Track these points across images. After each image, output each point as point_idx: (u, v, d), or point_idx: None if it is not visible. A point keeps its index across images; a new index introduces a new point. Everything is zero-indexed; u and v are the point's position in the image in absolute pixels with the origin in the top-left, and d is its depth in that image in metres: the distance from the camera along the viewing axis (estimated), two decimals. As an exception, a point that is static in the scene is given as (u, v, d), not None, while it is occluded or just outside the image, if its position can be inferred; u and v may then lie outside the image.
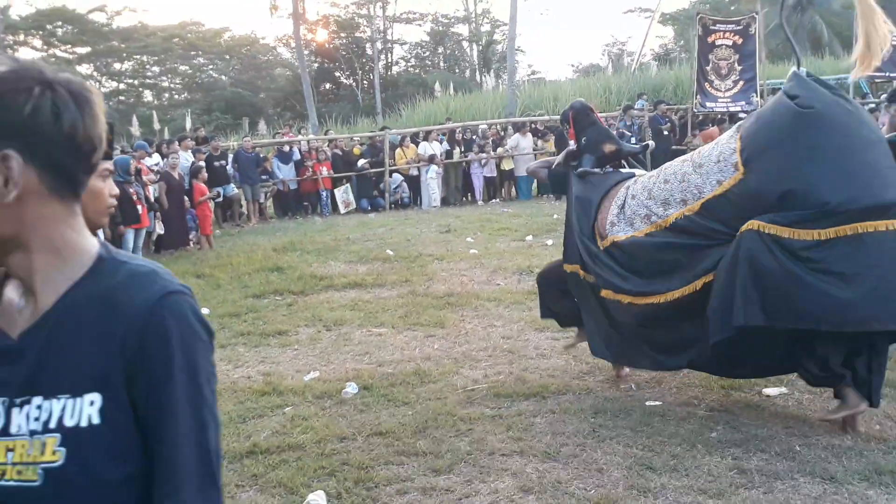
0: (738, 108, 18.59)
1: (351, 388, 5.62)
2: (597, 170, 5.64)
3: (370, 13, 47.42)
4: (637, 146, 6.41)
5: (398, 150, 17.95)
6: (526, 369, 5.97)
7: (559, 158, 6.04)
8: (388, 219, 15.67)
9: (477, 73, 46.17)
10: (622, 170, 5.67)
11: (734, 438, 4.53)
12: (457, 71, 49.01)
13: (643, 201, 5.00)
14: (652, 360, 5.14)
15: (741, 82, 18.38)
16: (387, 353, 6.60)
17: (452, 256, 10.69)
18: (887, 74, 20.38)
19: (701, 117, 18.74)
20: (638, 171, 5.59)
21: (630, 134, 16.91)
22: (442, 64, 50.90)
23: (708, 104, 18.38)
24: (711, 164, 4.69)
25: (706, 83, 18.29)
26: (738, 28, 18.52)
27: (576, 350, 6.14)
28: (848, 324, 4.20)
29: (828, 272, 4.16)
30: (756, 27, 18.62)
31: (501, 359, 6.26)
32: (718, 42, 18.32)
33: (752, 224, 4.30)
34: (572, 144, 5.93)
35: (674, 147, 17.93)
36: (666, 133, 17.95)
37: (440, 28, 50.57)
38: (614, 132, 5.64)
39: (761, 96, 19.03)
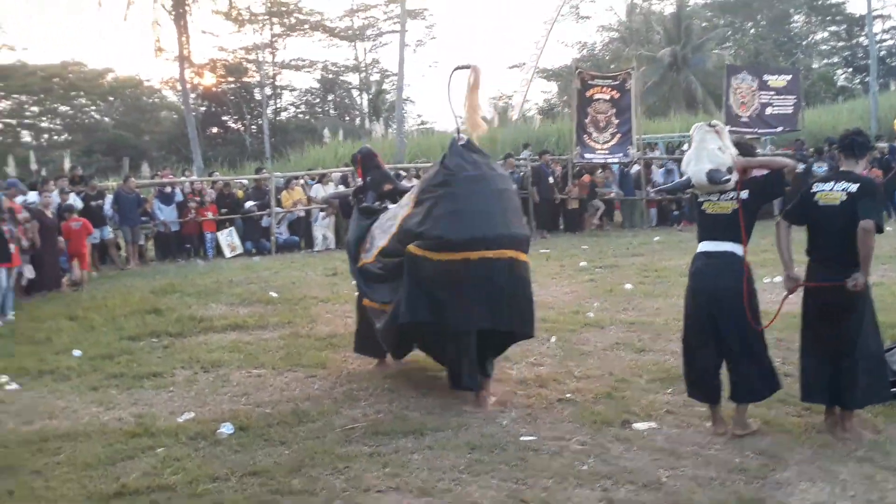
0: (616, 160, 19.32)
1: (226, 429, 5.54)
2: (375, 204, 7.09)
3: (259, 58, 47.22)
4: (409, 185, 7.64)
5: (284, 193, 17.84)
6: (406, 407, 6.01)
7: (350, 191, 7.78)
8: (274, 262, 15.48)
9: (366, 120, 46.43)
10: (392, 205, 6.94)
11: (604, 471, 4.68)
12: (346, 118, 49.20)
13: (379, 234, 6.60)
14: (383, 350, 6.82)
15: (618, 135, 19.11)
16: (265, 393, 6.53)
17: (338, 298, 10.65)
18: (756, 131, 21.60)
19: (579, 168, 19.34)
20: (391, 206, 6.92)
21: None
22: (332, 111, 50.99)
23: (587, 155, 19.01)
24: (404, 205, 6.35)
25: (585, 135, 18.93)
26: (615, 83, 19.31)
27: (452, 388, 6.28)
28: (458, 325, 5.83)
29: (447, 286, 5.75)
30: (632, 83, 19.46)
31: (382, 397, 6.28)
32: (596, 96, 19.03)
33: (410, 247, 5.86)
34: (359, 181, 7.51)
35: (556, 196, 18.50)
36: (550, 181, 18.44)
37: (330, 76, 50.73)
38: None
39: (638, 149, 19.85)
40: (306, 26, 49.93)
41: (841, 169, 5.35)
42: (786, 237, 5.32)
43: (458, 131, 6.20)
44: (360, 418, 5.78)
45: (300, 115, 50.39)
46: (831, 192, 5.11)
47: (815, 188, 5.25)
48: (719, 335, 5.20)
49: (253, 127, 45.43)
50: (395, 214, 6.47)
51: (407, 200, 6.36)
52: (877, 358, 5.19)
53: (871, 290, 5.16)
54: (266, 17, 46.85)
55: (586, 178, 18.98)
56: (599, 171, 19.35)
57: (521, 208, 6.30)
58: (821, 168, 16.56)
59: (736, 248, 5.19)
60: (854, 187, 5.04)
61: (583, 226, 18.82)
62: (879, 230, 4.94)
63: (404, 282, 5.92)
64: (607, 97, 19.10)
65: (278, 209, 17.50)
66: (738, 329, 5.16)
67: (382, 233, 6.53)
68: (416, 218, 5.95)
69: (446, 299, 5.80)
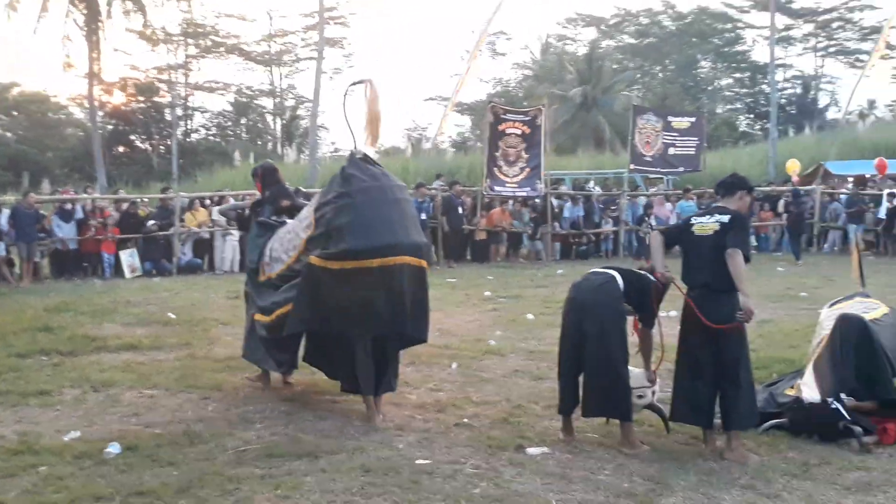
0: (524, 194, 19.63)
1: (113, 448, 5.36)
2: (272, 219, 7.17)
3: (171, 79, 46.48)
4: (306, 202, 7.52)
5: (188, 214, 17.52)
6: (302, 430, 5.93)
7: (246, 204, 8.02)
8: (176, 283, 15.15)
9: (279, 145, 46.10)
10: (290, 220, 7.02)
11: (496, 494, 4.70)
12: (259, 142, 48.73)
13: (279, 247, 6.68)
14: (275, 363, 6.85)
15: (528, 169, 19.41)
16: (157, 414, 6.36)
17: (239, 321, 10.33)
18: (659, 170, 22.31)
19: (489, 200, 19.56)
20: (289, 221, 7.00)
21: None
22: (244, 135, 50.45)
23: (497, 188, 19.23)
24: (304, 219, 6.41)
25: (495, 168, 19.13)
26: (527, 119, 19.66)
27: (354, 411, 6.31)
28: (357, 331, 6.03)
29: (347, 294, 5.91)
30: (542, 119, 19.85)
31: (277, 420, 6.18)
32: (508, 131, 19.30)
33: (311, 258, 5.99)
34: (258, 196, 7.57)
35: (465, 226, 18.69)
36: (460, 212, 18.62)
37: (244, 99, 50.28)
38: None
39: (546, 185, 20.21)
40: (222, 49, 49.51)
41: (717, 205, 5.77)
42: (658, 246, 5.74)
43: (355, 144, 6.33)
44: (254, 440, 5.67)
45: (211, 137, 49.71)
46: (706, 224, 5.50)
47: (692, 220, 5.68)
48: (582, 348, 5.62)
49: (161, 147, 44.55)
50: (296, 228, 6.55)
51: (306, 213, 6.44)
52: (751, 381, 5.58)
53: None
54: (181, 37, 46.26)
55: (497, 210, 19.25)
56: (508, 204, 19.67)
57: (417, 217, 6.59)
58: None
59: (618, 276, 5.73)
60: (726, 218, 5.45)
61: (489, 257, 19.07)
62: (746, 260, 5.31)
63: (298, 291, 6.11)
64: (518, 132, 19.41)
65: (181, 229, 17.17)
66: (599, 345, 5.54)
67: (285, 248, 6.60)
68: (319, 230, 6.07)
69: (345, 307, 5.97)
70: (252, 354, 7.13)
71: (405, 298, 6.03)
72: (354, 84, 6.27)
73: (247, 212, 7.73)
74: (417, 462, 5.21)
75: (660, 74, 57.88)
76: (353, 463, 5.18)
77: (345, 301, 5.97)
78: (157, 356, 8.48)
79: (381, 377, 6.22)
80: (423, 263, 6.18)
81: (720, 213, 5.52)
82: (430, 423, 6.13)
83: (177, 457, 5.29)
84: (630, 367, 5.71)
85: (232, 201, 17.42)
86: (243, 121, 51.21)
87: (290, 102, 51.36)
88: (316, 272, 5.97)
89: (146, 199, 19.35)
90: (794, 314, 10.92)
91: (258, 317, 6.72)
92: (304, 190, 8.59)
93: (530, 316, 10.81)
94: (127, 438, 5.61)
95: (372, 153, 6.49)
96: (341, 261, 5.88)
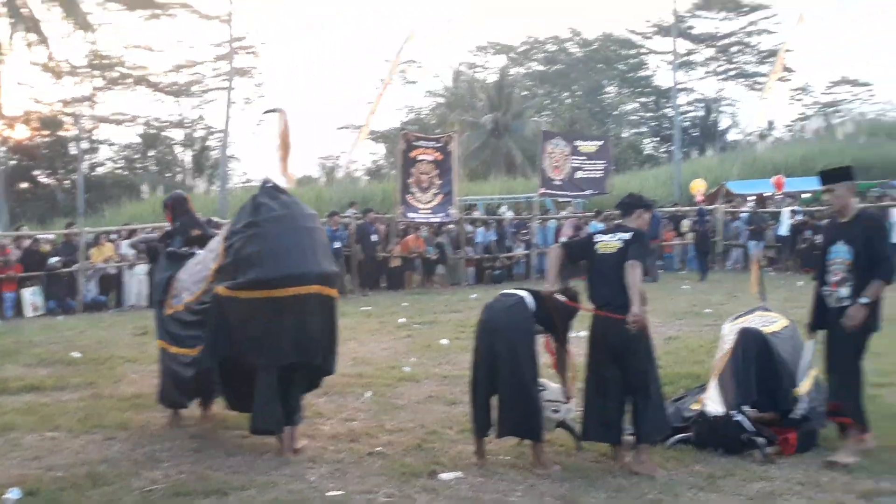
0: (438, 220, 19.75)
1: (13, 494, 5.15)
2: (183, 250, 7.07)
3: (77, 112, 45.29)
4: (216, 231, 7.46)
5: (93, 249, 17.07)
6: (210, 467, 5.80)
7: (156, 236, 7.93)
8: (80, 321, 14.70)
9: (189, 177, 45.28)
10: (200, 251, 6.91)
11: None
12: (168, 174, 47.78)
13: (186, 279, 6.63)
14: (185, 399, 6.80)
15: (441, 195, 19.58)
16: (59, 457, 6.14)
17: (146, 358, 10.15)
18: (567, 194, 22.71)
19: (403, 227, 19.62)
20: (199, 252, 6.90)
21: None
22: (152, 167, 49.39)
23: (410, 214, 19.33)
24: (213, 249, 6.42)
25: (408, 195, 19.24)
26: (438, 145, 19.85)
27: (265, 444, 6.20)
28: (267, 360, 5.91)
29: (257, 324, 5.88)
30: (454, 146, 20.06)
31: (186, 458, 6.04)
32: (420, 157, 19.45)
33: (218, 289, 5.97)
34: (168, 226, 7.46)
35: (379, 253, 18.69)
36: (374, 239, 18.61)
37: (152, 131, 49.29)
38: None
39: (459, 210, 20.38)
40: (130, 80, 48.48)
41: (618, 223, 6.00)
42: (555, 259, 5.91)
43: (266, 173, 6.37)
44: (161, 479, 5.52)
45: (118, 171, 48.51)
46: (610, 242, 5.67)
47: (596, 238, 5.84)
48: (495, 369, 5.64)
49: (66, 182, 43.26)
50: (205, 259, 6.52)
51: (216, 244, 6.41)
52: (661, 394, 5.76)
53: (648, 329, 5.60)
54: (87, 69, 45.17)
55: (411, 238, 19.30)
56: (421, 230, 19.75)
57: (329, 245, 6.60)
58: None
59: (528, 298, 5.81)
60: (628, 236, 5.65)
61: (404, 284, 19.09)
62: (646, 273, 5.57)
63: (209, 325, 6.09)
64: (430, 158, 19.57)
65: (86, 264, 16.70)
66: (510, 366, 5.59)
67: (193, 280, 6.54)
68: (228, 259, 6.06)
69: (255, 337, 5.92)
70: (167, 397, 6.92)
71: (313, 328, 6.00)
72: (267, 112, 6.38)
73: (158, 244, 7.56)
74: (329, 494, 5.16)
75: (568, 100, 59.04)
76: (264, 498, 5.10)
77: (253, 331, 5.92)
78: (61, 397, 8.20)
79: (286, 413, 6.12)
80: (334, 293, 6.16)
81: (622, 232, 5.72)
82: (342, 453, 6.08)
83: (80, 500, 5.13)
84: (547, 382, 5.81)
85: (143, 237, 17.06)
86: (151, 153, 50.11)
87: (199, 133, 50.55)
88: (223, 303, 5.94)
89: (52, 236, 18.74)
90: (699, 330, 11.22)
91: (176, 349, 6.56)
92: (217, 220, 8.44)
93: (444, 341, 10.84)
94: (28, 482, 5.40)
95: (284, 183, 6.46)
96: (250, 290, 5.84)
